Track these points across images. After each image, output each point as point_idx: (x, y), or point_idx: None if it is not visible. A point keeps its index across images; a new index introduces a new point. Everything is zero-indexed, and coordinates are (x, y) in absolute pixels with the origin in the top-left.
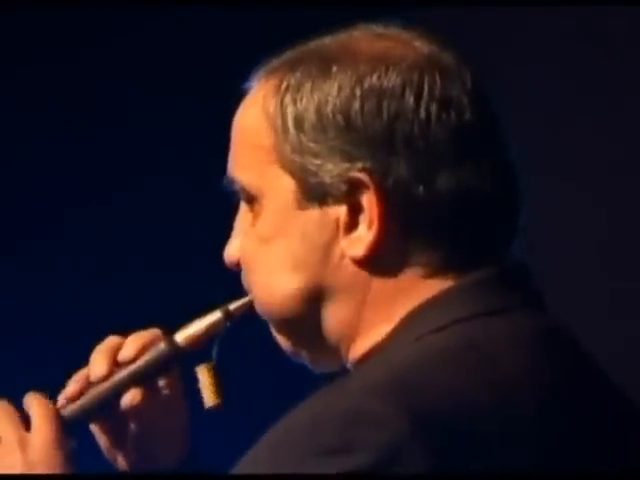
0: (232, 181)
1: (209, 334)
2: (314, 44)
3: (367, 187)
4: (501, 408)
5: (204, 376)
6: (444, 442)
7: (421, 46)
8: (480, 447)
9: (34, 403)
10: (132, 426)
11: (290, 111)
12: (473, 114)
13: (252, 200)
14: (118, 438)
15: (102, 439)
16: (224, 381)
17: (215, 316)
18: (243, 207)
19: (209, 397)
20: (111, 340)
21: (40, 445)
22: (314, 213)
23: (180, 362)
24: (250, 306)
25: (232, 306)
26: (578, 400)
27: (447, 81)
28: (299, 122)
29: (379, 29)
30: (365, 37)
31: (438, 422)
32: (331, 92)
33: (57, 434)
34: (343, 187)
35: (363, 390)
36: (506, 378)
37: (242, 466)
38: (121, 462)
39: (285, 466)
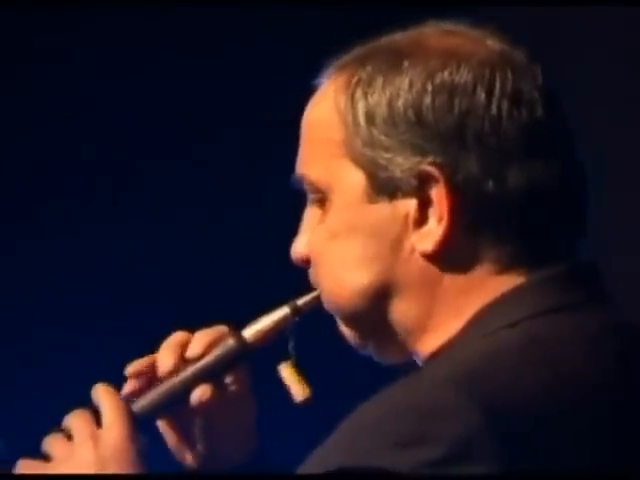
0: (301, 178)
1: (277, 330)
2: (384, 40)
3: (437, 181)
4: (559, 403)
5: (288, 372)
6: (513, 434)
7: (492, 43)
8: (543, 440)
9: (105, 397)
10: (200, 422)
11: (361, 105)
12: (544, 111)
13: (321, 196)
14: (185, 435)
15: (169, 436)
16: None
17: (283, 312)
18: (311, 204)
19: (298, 391)
20: (178, 335)
21: (113, 441)
22: (384, 207)
23: (248, 359)
24: (317, 301)
25: (300, 301)
26: (634, 398)
27: (518, 78)
28: (370, 116)
29: (449, 26)
30: (435, 33)
31: (507, 415)
32: (402, 87)
33: (130, 430)
34: (413, 181)
35: (436, 384)
36: (567, 374)
37: (315, 459)
38: (188, 459)
39: (359, 457)
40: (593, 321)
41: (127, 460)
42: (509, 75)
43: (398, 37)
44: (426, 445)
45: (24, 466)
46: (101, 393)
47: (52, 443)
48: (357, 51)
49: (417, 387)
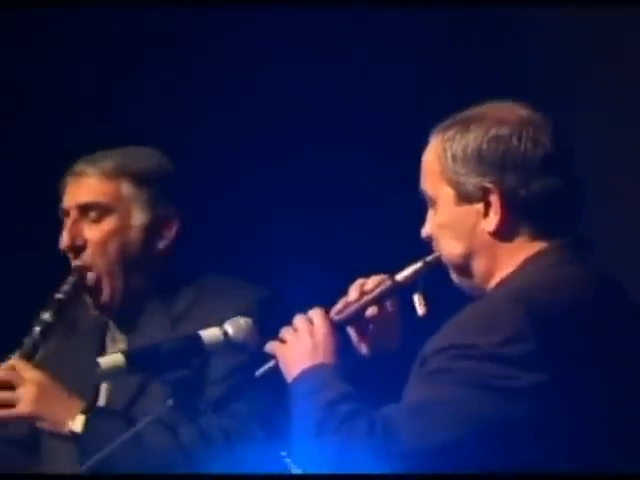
0: (423, 191)
1: (416, 275)
2: (461, 114)
3: (493, 192)
4: (573, 315)
5: (419, 298)
6: (548, 329)
7: (521, 110)
8: (563, 334)
9: (316, 312)
10: (371, 328)
11: (449, 152)
12: (552, 148)
13: (432, 202)
14: (364, 335)
15: (355, 336)
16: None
17: (419, 264)
18: (429, 206)
19: (422, 309)
20: (359, 280)
21: (322, 333)
22: (465, 208)
23: (399, 293)
24: (439, 260)
25: (428, 259)
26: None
27: (536, 130)
28: (454, 157)
29: (495, 103)
30: (487, 108)
31: (544, 319)
32: (470, 140)
33: (332, 329)
34: (479, 192)
35: (499, 299)
36: (574, 299)
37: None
38: (364, 349)
39: (457, 338)
40: (584, 270)
41: (331, 345)
42: (530, 129)
43: (467, 112)
44: (494, 333)
45: (270, 345)
46: (314, 311)
47: (286, 333)
48: (448, 120)
49: (487, 301)
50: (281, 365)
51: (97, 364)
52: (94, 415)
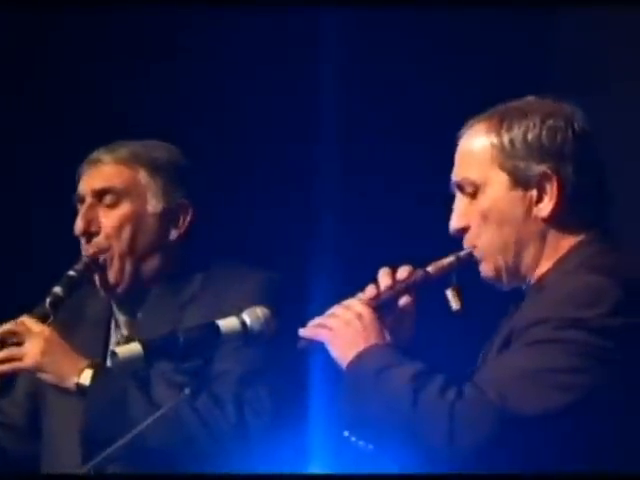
0: (461, 180)
1: (448, 269)
2: (508, 105)
3: (551, 178)
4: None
5: (453, 293)
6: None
7: (564, 104)
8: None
9: (354, 301)
10: (390, 317)
11: (507, 137)
12: (594, 142)
13: (475, 189)
14: (393, 319)
15: (387, 321)
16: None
17: (450, 258)
18: (463, 196)
19: (456, 304)
20: (385, 269)
21: (369, 316)
22: (519, 194)
23: (431, 285)
24: (471, 256)
25: (461, 253)
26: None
27: (583, 124)
28: (512, 143)
29: (537, 97)
30: (532, 101)
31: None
32: (530, 127)
33: (374, 315)
34: (537, 178)
35: (594, 276)
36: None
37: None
38: (395, 332)
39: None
40: (624, 257)
41: (380, 327)
42: (577, 123)
43: (516, 103)
44: (599, 306)
45: (309, 330)
46: (349, 300)
47: (326, 319)
48: (494, 110)
49: (578, 279)
50: (332, 349)
51: (114, 353)
52: (102, 370)
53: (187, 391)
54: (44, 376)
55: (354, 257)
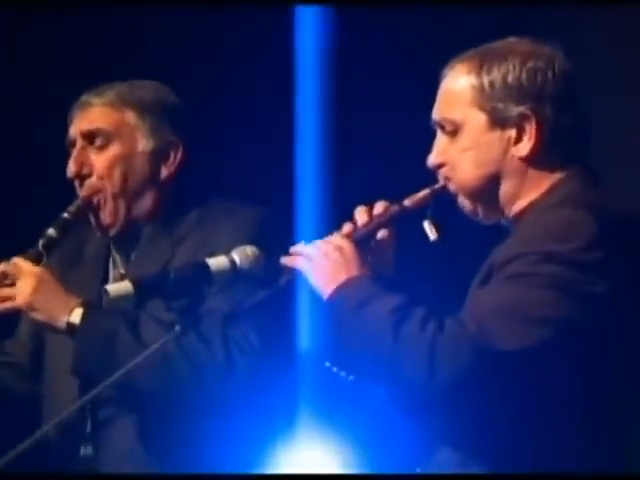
0: (440, 119)
1: (424, 201)
2: (490, 45)
3: (529, 118)
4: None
5: (429, 225)
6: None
7: (544, 46)
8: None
9: (336, 238)
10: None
11: (486, 79)
12: (575, 83)
13: (454, 128)
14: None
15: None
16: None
17: (425, 191)
18: (442, 134)
19: (433, 235)
20: (361, 207)
21: (350, 248)
22: (497, 133)
23: (408, 218)
24: (445, 189)
25: (436, 186)
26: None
27: (563, 65)
28: (492, 84)
29: (517, 38)
30: (513, 42)
31: (615, 230)
32: (509, 69)
33: (355, 246)
34: (516, 119)
35: (572, 211)
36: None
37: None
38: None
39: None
40: (605, 193)
41: (361, 259)
42: (558, 64)
43: (498, 44)
44: (575, 240)
45: (289, 260)
46: (334, 238)
47: (308, 250)
48: (475, 51)
49: (556, 214)
50: (313, 280)
51: (105, 291)
52: (93, 310)
53: (177, 328)
54: (36, 315)
55: (345, 192)
